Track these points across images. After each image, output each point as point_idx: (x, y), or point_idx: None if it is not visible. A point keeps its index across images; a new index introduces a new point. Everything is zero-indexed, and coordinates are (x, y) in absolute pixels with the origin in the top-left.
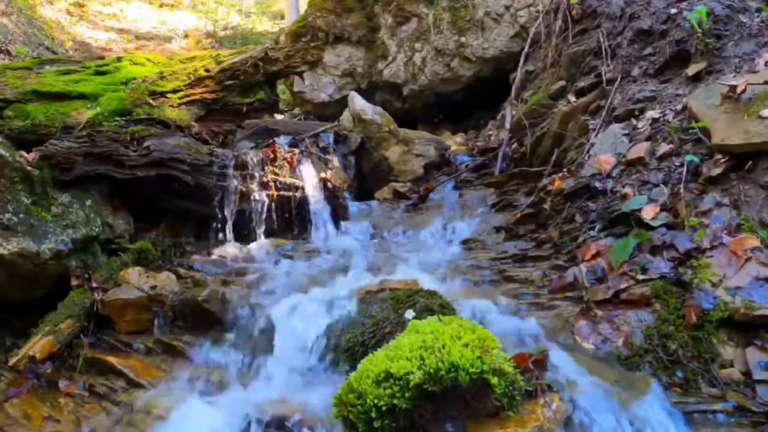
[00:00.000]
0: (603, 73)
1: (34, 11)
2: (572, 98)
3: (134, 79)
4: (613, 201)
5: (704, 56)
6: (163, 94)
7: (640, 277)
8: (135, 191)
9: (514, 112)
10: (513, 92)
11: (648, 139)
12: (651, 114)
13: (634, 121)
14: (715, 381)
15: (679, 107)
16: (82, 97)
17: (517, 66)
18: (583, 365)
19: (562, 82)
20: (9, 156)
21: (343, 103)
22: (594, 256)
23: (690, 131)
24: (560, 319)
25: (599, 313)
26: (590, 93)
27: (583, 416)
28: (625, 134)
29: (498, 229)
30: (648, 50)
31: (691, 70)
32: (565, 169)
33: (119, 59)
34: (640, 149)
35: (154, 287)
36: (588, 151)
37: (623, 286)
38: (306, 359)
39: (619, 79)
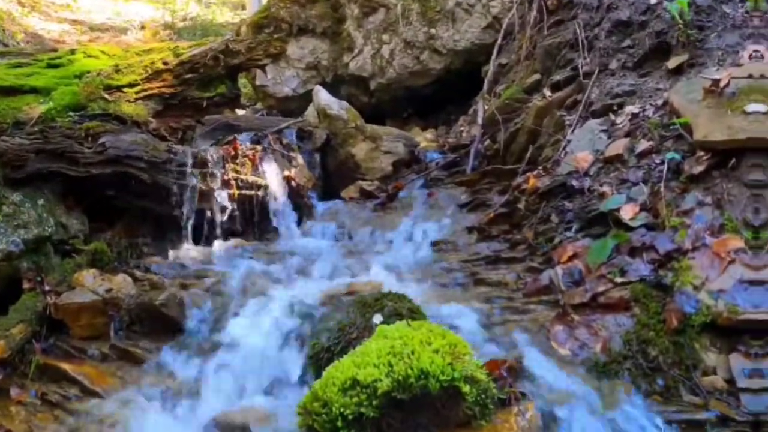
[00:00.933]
0: (580, 66)
1: None
2: (547, 92)
3: (88, 72)
4: (591, 200)
5: (686, 48)
6: (118, 88)
7: (619, 279)
8: (89, 190)
9: (486, 107)
10: (485, 86)
11: (627, 135)
12: (630, 109)
13: (612, 117)
14: (697, 389)
15: (659, 102)
16: (34, 91)
17: (489, 58)
18: (559, 372)
19: (537, 76)
20: None
21: (307, 97)
22: (570, 258)
23: (671, 127)
24: (535, 324)
25: (576, 317)
26: (566, 87)
27: (559, 426)
28: (603, 130)
29: (470, 230)
30: (627, 42)
31: (672, 63)
32: (540, 167)
33: (73, 52)
34: (619, 146)
35: (109, 290)
36: (564, 148)
37: (601, 289)
38: (267, 366)
39: (596, 72)
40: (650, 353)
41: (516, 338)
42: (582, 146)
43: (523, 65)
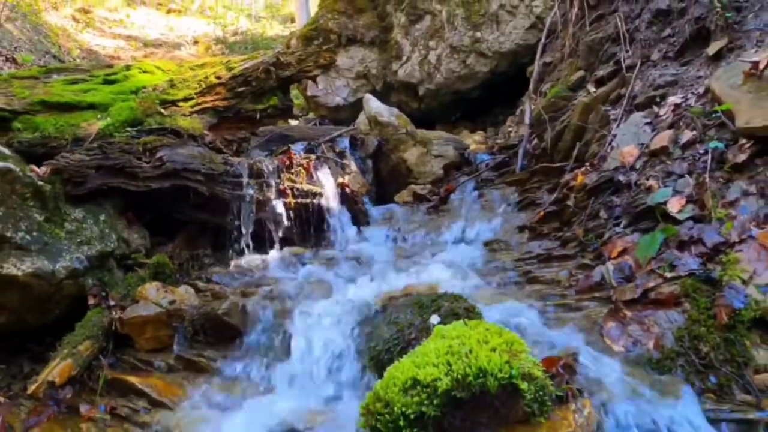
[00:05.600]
0: (622, 59)
1: (39, 17)
2: (592, 88)
3: (144, 87)
4: (638, 194)
5: (725, 32)
6: (174, 102)
7: (669, 274)
8: (149, 204)
9: (533, 107)
10: (531, 86)
11: (671, 126)
12: (673, 99)
13: (655, 109)
14: (749, 387)
15: (701, 90)
16: (91, 107)
17: (534, 59)
18: (613, 369)
19: (581, 73)
20: (19, 171)
21: (358, 106)
22: (621, 254)
23: (713, 115)
24: (589, 321)
25: (628, 313)
26: (610, 82)
27: (615, 422)
28: (648, 123)
29: (521, 229)
30: (667, 31)
31: (712, 48)
32: (587, 164)
33: (128, 67)
34: (663, 138)
35: (172, 302)
36: (610, 143)
37: (651, 284)
38: (330, 368)
39: (638, 64)
40: (702, 350)
41: (571, 335)
42: (627, 140)
43: (567, 63)
